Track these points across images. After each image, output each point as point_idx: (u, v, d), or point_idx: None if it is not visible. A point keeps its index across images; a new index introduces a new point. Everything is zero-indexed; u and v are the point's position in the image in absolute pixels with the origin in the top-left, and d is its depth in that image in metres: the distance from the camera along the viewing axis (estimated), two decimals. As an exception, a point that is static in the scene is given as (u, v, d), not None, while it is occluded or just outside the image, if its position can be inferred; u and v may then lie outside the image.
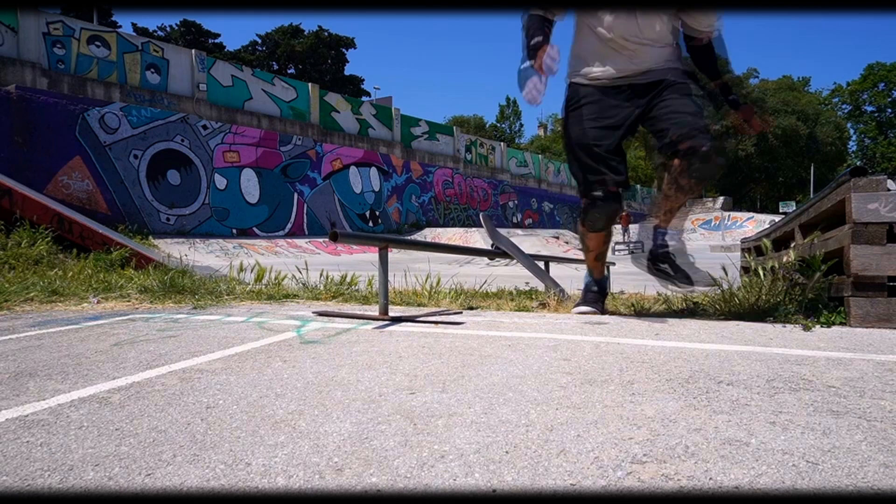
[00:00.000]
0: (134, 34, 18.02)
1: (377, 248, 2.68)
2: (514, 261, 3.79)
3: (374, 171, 18.75)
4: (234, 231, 14.18)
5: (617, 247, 16.06)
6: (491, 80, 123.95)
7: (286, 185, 15.74)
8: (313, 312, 2.87)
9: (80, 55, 13.13)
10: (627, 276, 6.37)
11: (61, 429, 1.12)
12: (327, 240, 14.94)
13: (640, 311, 2.74)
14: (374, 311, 2.85)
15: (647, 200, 39.21)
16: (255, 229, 14.67)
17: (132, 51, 14.12)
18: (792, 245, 3.09)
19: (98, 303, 3.43)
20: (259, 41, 42.87)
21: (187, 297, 3.53)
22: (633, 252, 3.06)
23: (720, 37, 2.43)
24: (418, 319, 2.57)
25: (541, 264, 4.06)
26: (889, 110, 53.68)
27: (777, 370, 1.50)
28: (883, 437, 1.00)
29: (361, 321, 2.53)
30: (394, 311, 2.81)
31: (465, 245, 12.66)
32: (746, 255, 4.95)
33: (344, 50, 43.52)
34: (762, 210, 41.85)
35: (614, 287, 4.38)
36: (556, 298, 3.14)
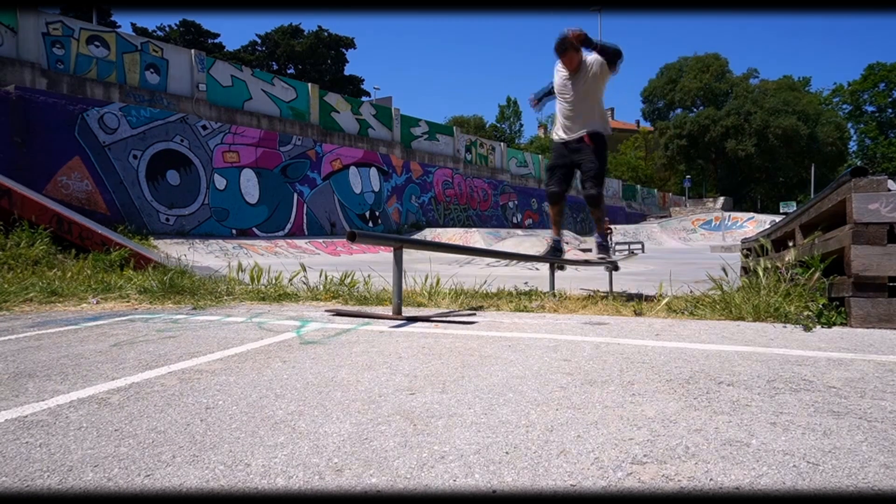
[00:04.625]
0: (133, 34, 18.00)
1: (391, 249, 2.72)
2: (515, 261, 3.77)
3: (373, 171, 18.74)
4: (234, 231, 14.16)
5: (617, 247, 16.09)
6: (491, 81, 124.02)
7: (286, 185, 15.73)
8: (326, 311, 2.87)
9: (80, 55, 13.12)
10: (627, 277, 6.36)
11: (60, 430, 1.12)
12: (327, 240, 14.91)
13: (640, 312, 2.74)
14: (384, 310, 2.86)
15: (646, 201, 39.15)
16: (254, 230, 14.65)
17: (131, 51, 14.10)
18: (792, 245, 3.08)
19: (97, 303, 3.43)
20: (259, 41, 42.86)
21: (187, 297, 3.53)
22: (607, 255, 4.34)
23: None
24: (432, 319, 2.58)
25: (538, 263, 4.03)
26: (889, 110, 53.66)
27: (778, 371, 1.49)
28: (884, 438, 1.00)
29: (370, 320, 2.53)
30: (402, 311, 2.83)
31: (466, 245, 12.64)
32: (746, 255, 4.95)
33: (344, 50, 43.50)
34: (763, 210, 41.79)
35: (615, 287, 4.38)
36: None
